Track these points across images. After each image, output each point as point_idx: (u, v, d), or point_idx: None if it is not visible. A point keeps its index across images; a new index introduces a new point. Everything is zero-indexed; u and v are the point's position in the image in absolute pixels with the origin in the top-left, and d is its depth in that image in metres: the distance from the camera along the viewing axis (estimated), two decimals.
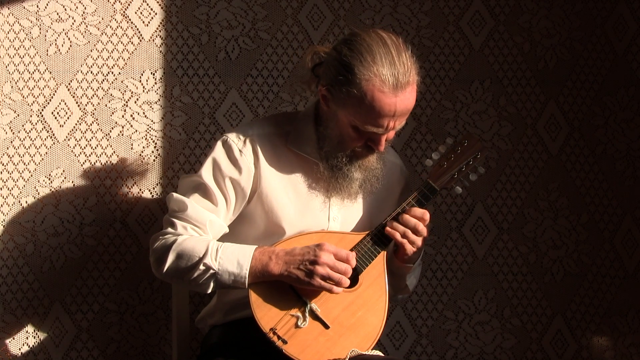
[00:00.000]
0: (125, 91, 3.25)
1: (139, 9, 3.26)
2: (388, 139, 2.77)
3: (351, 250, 2.76)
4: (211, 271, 2.70)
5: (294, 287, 2.71)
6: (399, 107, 2.68)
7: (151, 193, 3.27)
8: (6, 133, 3.18)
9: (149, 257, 2.79)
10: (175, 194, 2.81)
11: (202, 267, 2.70)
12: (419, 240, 2.79)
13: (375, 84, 2.65)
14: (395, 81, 2.66)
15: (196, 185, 2.81)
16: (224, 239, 2.80)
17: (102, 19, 3.23)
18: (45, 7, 3.20)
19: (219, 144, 2.83)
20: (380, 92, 2.65)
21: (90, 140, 3.23)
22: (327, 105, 2.76)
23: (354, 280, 2.75)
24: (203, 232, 2.77)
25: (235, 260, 2.70)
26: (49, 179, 3.21)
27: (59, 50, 3.21)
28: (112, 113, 3.25)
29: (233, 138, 2.82)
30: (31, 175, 3.20)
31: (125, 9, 3.25)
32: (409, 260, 2.85)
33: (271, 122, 2.88)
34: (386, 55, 2.67)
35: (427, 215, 2.80)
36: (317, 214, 2.85)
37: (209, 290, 2.74)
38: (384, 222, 2.80)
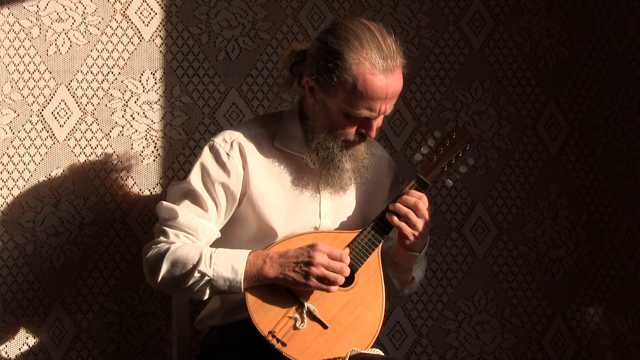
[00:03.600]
0: (125, 91, 3.26)
1: (139, 9, 3.26)
2: (378, 125, 2.78)
3: (345, 248, 2.76)
4: (206, 278, 2.70)
5: (289, 288, 2.71)
6: (390, 90, 2.71)
7: (151, 193, 3.28)
8: (6, 133, 3.18)
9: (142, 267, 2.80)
10: (165, 202, 2.80)
11: (197, 275, 2.70)
12: (419, 223, 2.79)
13: (366, 67, 2.68)
14: (384, 64, 2.69)
15: (185, 192, 2.80)
16: (216, 243, 2.80)
17: (102, 19, 3.23)
18: (45, 7, 3.20)
19: (206, 149, 2.82)
20: (371, 74, 2.68)
21: (90, 140, 3.24)
22: (314, 97, 2.76)
23: (350, 279, 2.75)
24: (195, 239, 2.77)
25: (229, 265, 2.70)
26: (49, 179, 3.21)
27: (59, 50, 3.21)
28: (112, 113, 3.25)
29: (220, 142, 2.82)
30: (31, 175, 3.20)
31: (125, 9, 3.25)
32: (413, 248, 2.84)
33: (257, 124, 2.88)
34: (372, 40, 2.70)
35: (424, 198, 2.80)
36: (308, 211, 2.85)
37: (205, 297, 2.74)
38: (377, 217, 2.80)
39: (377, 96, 2.70)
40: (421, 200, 2.79)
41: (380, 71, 2.68)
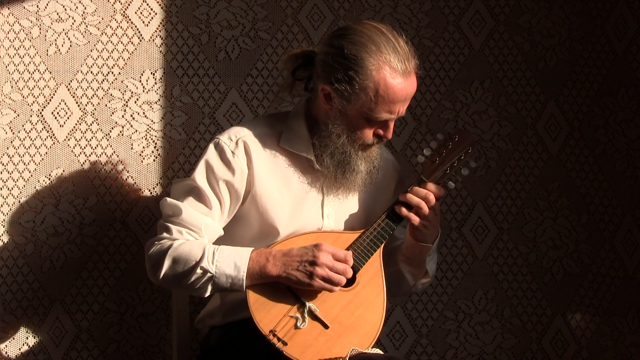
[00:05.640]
0: (125, 91, 3.25)
1: (139, 9, 3.26)
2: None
3: (347, 249, 2.76)
4: (208, 274, 2.70)
5: (291, 287, 2.72)
6: (409, 91, 2.74)
7: (151, 193, 3.27)
8: (6, 133, 3.18)
9: (145, 263, 2.79)
10: (169, 199, 2.80)
11: (199, 271, 2.70)
12: (428, 213, 2.79)
13: (387, 71, 2.70)
14: (403, 66, 2.72)
15: (190, 189, 2.80)
16: (219, 241, 2.80)
17: (102, 19, 3.23)
18: (45, 7, 3.20)
19: (211, 146, 2.82)
20: (392, 78, 2.70)
21: (90, 140, 3.23)
22: (330, 104, 2.76)
23: (351, 279, 2.75)
24: (198, 236, 2.77)
25: (232, 262, 2.70)
26: (49, 179, 3.21)
27: (59, 50, 3.21)
28: (112, 113, 3.25)
29: (225, 140, 2.82)
30: (31, 175, 3.20)
31: (125, 9, 3.25)
32: (424, 239, 2.85)
33: (262, 123, 2.89)
34: (388, 43, 2.72)
35: (441, 191, 2.82)
36: (311, 212, 2.85)
37: (207, 294, 2.74)
38: (379, 218, 2.80)
39: (398, 99, 2.72)
40: (433, 193, 2.80)
41: (400, 74, 2.71)
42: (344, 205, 2.89)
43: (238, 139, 2.82)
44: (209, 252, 2.71)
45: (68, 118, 3.22)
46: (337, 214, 2.88)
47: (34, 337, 3.22)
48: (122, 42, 3.25)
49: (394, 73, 2.70)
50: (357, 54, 2.70)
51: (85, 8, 3.22)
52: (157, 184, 3.28)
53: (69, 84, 3.22)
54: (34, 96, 3.20)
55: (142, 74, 3.26)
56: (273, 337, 2.67)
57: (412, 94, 2.75)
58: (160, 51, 3.27)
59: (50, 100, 3.21)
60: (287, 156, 2.85)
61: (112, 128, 3.25)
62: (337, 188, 2.84)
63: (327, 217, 2.87)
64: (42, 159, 3.21)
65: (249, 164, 2.81)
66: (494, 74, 3.48)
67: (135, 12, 3.25)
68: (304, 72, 2.85)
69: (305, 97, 2.89)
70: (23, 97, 3.19)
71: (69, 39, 3.21)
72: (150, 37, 3.27)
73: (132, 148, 3.26)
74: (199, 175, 2.80)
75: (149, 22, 3.26)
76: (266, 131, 2.86)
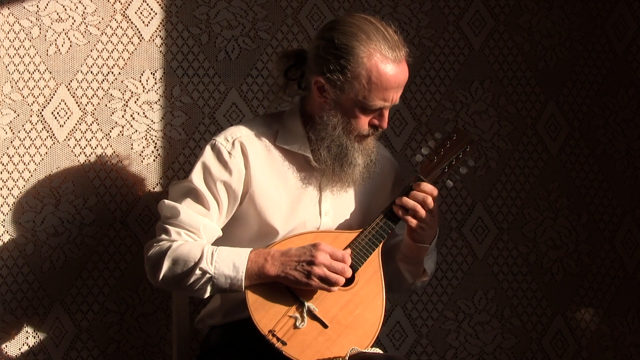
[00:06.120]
0: (125, 91, 3.26)
1: (139, 9, 3.26)
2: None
3: (345, 248, 2.76)
4: (207, 275, 2.70)
5: (290, 287, 2.72)
6: (401, 78, 2.76)
7: (151, 193, 3.28)
8: (6, 133, 3.18)
9: (144, 265, 2.80)
10: (166, 201, 2.81)
11: (198, 272, 2.70)
12: (425, 215, 2.79)
13: (378, 58, 2.72)
14: (393, 53, 2.74)
15: (187, 191, 2.81)
16: (217, 242, 2.81)
17: (102, 19, 3.23)
18: (45, 7, 3.20)
19: (208, 148, 2.83)
20: (384, 64, 2.73)
21: (90, 140, 3.24)
22: (324, 96, 2.78)
23: (350, 278, 2.76)
24: (197, 237, 2.77)
25: (231, 263, 2.70)
26: (49, 179, 3.21)
27: (59, 50, 3.21)
28: (112, 113, 3.25)
29: (221, 141, 2.83)
30: (31, 175, 3.20)
31: (125, 9, 3.25)
32: (422, 240, 2.85)
33: (258, 123, 2.90)
34: (377, 31, 2.75)
35: (435, 191, 2.81)
36: (309, 210, 2.86)
37: (206, 295, 2.74)
38: (377, 218, 2.80)
39: (391, 85, 2.74)
40: (431, 194, 2.80)
41: (391, 61, 2.73)
42: (342, 202, 2.90)
43: (234, 139, 2.83)
44: (208, 253, 2.71)
45: (68, 118, 3.22)
46: (334, 211, 2.89)
47: (34, 337, 3.22)
48: (122, 42, 3.25)
49: (385, 60, 2.72)
50: (347, 43, 2.72)
51: (85, 8, 3.22)
52: (157, 184, 3.28)
53: (69, 84, 3.22)
54: (34, 96, 3.20)
55: (142, 74, 3.27)
56: (272, 337, 2.68)
57: (404, 81, 2.77)
58: (160, 51, 3.28)
59: (50, 100, 3.21)
60: (283, 155, 2.86)
61: (112, 128, 3.25)
62: (334, 184, 2.85)
63: (325, 215, 2.87)
64: (42, 159, 3.21)
65: (246, 164, 2.82)
66: (494, 74, 3.48)
67: (135, 12, 3.26)
68: (296, 72, 2.86)
69: (299, 96, 2.90)
70: (23, 97, 3.19)
71: (69, 39, 3.22)
72: (150, 37, 3.27)
73: (132, 148, 3.26)
74: (197, 177, 2.81)
75: (149, 22, 3.26)
76: (262, 131, 2.87)
